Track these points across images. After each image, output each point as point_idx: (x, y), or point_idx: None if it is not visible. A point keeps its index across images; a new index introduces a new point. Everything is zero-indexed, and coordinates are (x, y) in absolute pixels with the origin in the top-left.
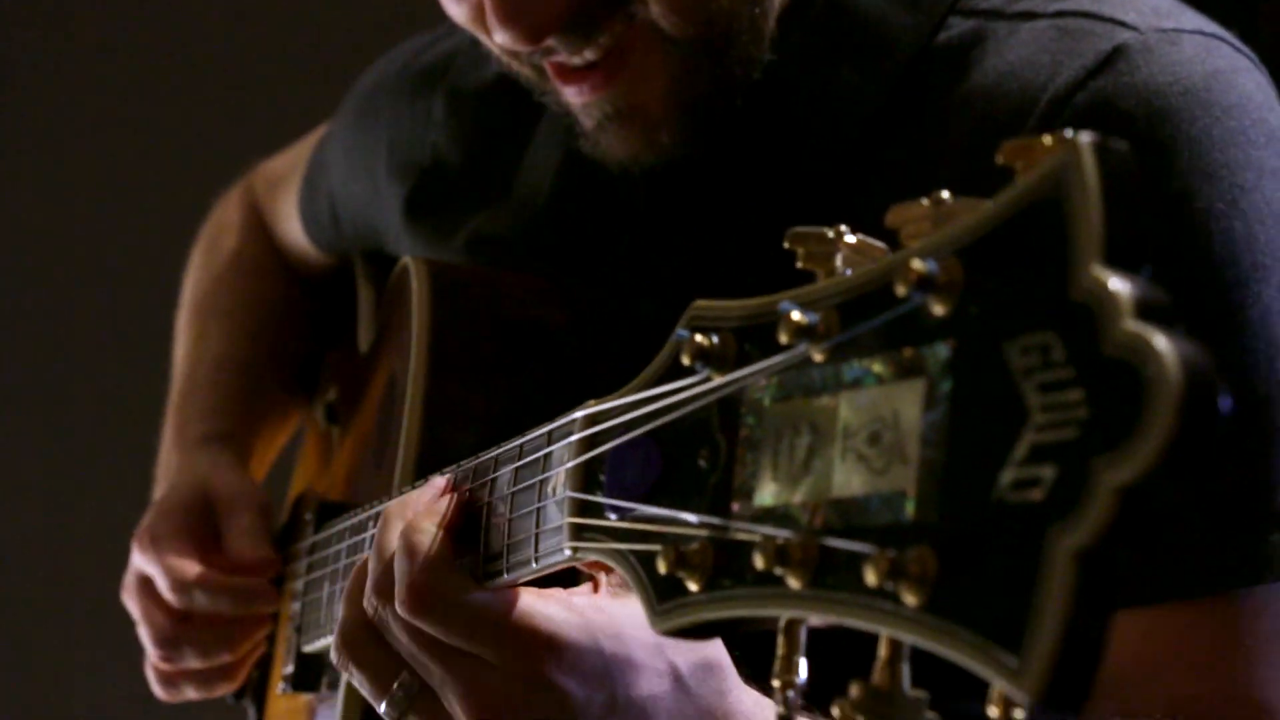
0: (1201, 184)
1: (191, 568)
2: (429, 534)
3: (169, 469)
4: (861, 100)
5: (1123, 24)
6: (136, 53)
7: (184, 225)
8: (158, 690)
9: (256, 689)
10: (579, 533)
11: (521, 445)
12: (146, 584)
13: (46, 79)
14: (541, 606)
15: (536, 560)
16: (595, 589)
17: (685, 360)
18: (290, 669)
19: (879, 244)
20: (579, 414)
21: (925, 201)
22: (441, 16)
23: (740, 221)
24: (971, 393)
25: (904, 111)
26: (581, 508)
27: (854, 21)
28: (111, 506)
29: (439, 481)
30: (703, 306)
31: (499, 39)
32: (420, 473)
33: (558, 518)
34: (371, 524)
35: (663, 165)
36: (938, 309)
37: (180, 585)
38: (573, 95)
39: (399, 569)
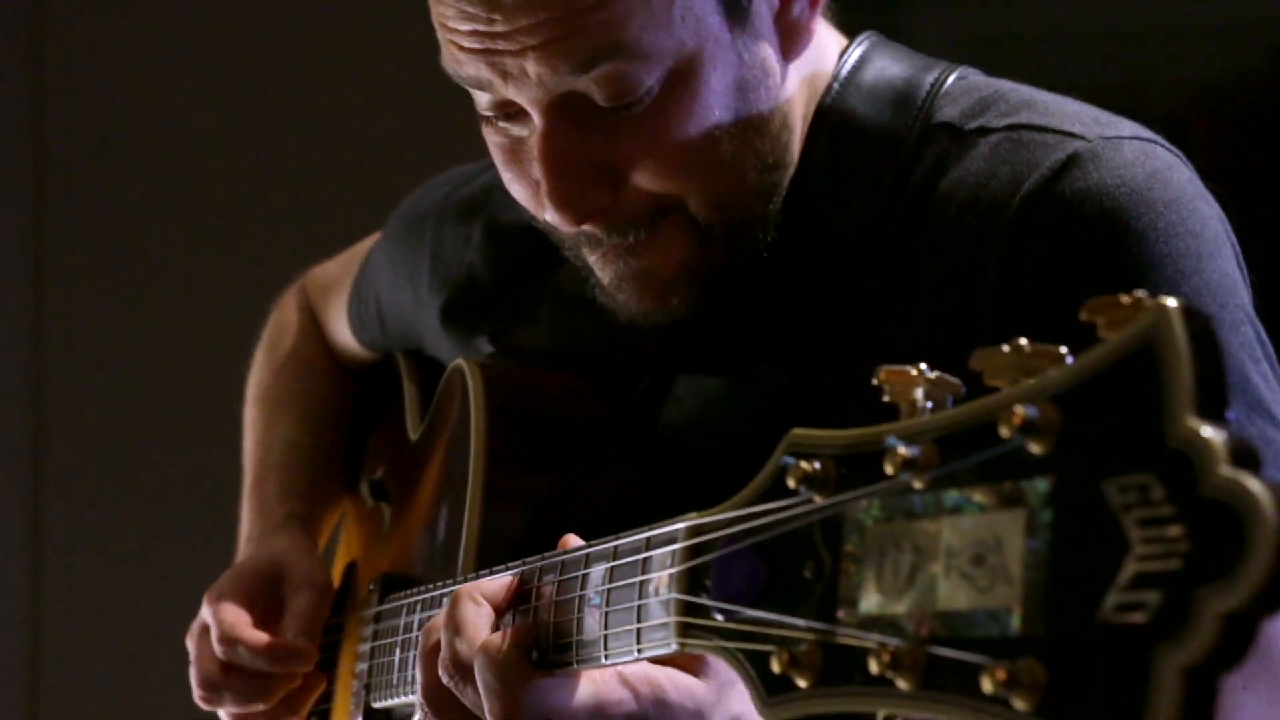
0: (1149, 272)
1: (242, 627)
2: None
3: (251, 539)
4: (856, 236)
5: (1071, 134)
6: (217, 170)
7: (250, 323)
8: None
9: None
10: (686, 630)
11: (616, 546)
12: (205, 632)
13: (140, 193)
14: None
15: (639, 650)
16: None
17: (790, 484)
18: None
19: (954, 379)
20: (682, 525)
21: (1005, 348)
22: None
23: (753, 352)
24: (1072, 523)
25: (887, 238)
26: (688, 608)
27: (840, 171)
28: (194, 570)
29: (506, 579)
30: (801, 435)
31: (548, 217)
32: (483, 550)
33: (662, 615)
34: (447, 600)
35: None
36: (1035, 448)
37: (228, 639)
38: (595, 256)
39: (481, 662)
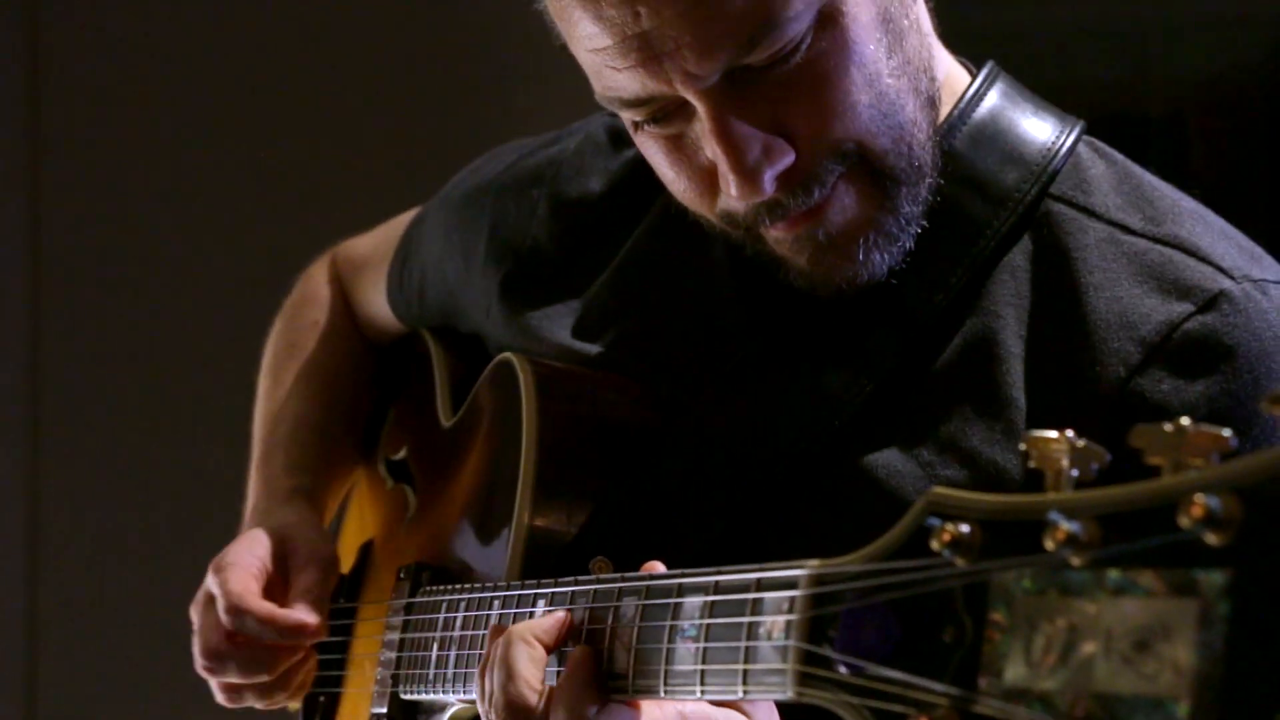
0: None
1: (250, 598)
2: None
3: (256, 511)
4: (982, 236)
5: (1221, 269)
6: (241, 148)
7: (246, 315)
8: (220, 698)
9: (325, 714)
10: (805, 680)
11: (717, 581)
12: (210, 602)
13: (162, 174)
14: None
15: (745, 691)
16: None
17: (935, 546)
18: (384, 710)
19: (1099, 448)
20: (801, 571)
21: (1168, 426)
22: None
23: (819, 361)
24: (1252, 619)
25: (990, 281)
26: (808, 657)
27: (973, 175)
28: (191, 564)
29: (560, 615)
30: (943, 495)
31: (733, 194)
32: (530, 550)
33: (777, 661)
34: (498, 603)
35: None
36: (1212, 538)
37: (236, 610)
38: (787, 233)
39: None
